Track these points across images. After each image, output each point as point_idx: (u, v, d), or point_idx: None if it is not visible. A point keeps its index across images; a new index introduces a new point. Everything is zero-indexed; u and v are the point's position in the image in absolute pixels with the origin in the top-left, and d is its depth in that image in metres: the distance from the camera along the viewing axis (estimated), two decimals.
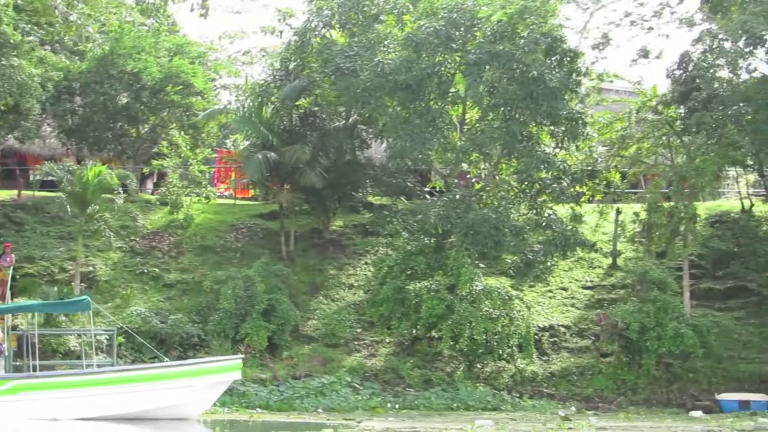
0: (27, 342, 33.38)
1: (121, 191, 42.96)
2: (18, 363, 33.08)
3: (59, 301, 35.16)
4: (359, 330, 40.98)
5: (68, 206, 40.48)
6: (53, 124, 52.66)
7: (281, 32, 51.05)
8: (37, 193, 49.17)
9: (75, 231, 43.30)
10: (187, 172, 48.53)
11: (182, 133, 50.05)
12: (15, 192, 50.17)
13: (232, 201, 52.43)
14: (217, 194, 51.20)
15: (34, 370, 31.37)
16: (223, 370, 30.12)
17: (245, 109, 44.65)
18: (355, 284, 44.12)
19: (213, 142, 54.02)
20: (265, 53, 69.26)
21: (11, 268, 39.86)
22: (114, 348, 34.88)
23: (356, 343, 40.44)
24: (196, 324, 39.29)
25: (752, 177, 54.31)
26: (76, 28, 48.89)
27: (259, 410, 33.68)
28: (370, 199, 49.57)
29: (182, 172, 48.47)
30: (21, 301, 38.31)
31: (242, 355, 34.17)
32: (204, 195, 48.20)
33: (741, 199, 49.88)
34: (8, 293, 39.05)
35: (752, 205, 48.66)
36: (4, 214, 46.15)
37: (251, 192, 50.41)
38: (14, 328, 35.17)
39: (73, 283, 39.94)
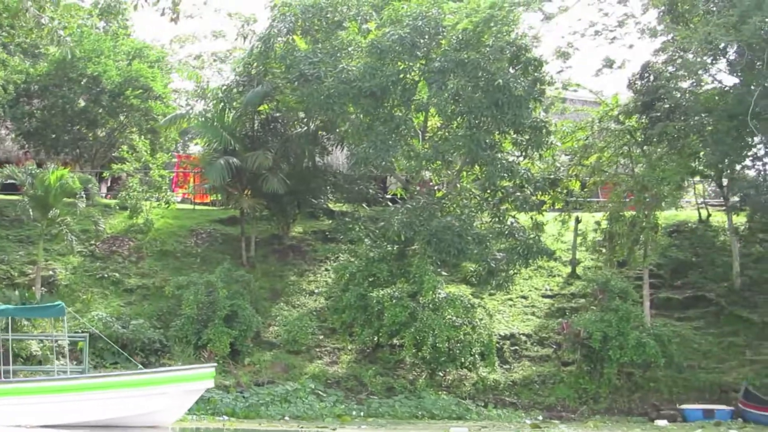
0: None
1: (83, 195, 42.47)
2: None
3: (34, 305, 34.66)
4: (321, 337, 40.86)
5: (30, 209, 39.93)
6: (11, 127, 52.24)
7: (244, 37, 50.67)
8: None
9: (35, 235, 43.06)
10: (146, 176, 48.22)
11: (141, 137, 49.69)
12: None
13: (191, 206, 52.17)
14: (177, 199, 50.93)
15: (6, 375, 31.08)
16: (197, 378, 29.97)
17: (207, 114, 44.42)
18: (316, 291, 44.02)
19: (172, 147, 53.78)
20: (216, 58, 69.08)
21: None
22: (86, 354, 34.51)
23: (318, 350, 40.30)
24: (158, 329, 38.95)
25: (708, 187, 54.95)
26: (48, 31, 48.22)
27: (225, 417, 33.50)
28: (330, 205, 49.47)
29: (142, 177, 48.13)
30: None
31: (214, 363, 33.94)
32: (164, 200, 47.88)
33: (698, 208, 50.30)
34: None
35: (709, 215, 49.15)
36: None
37: (210, 197, 50.08)
38: None
39: (33, 287, 39.51)
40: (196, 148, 52.78)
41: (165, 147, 52.17)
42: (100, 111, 51.08)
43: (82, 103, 50.87)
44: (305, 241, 47.66)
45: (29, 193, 40.08)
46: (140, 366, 33.93)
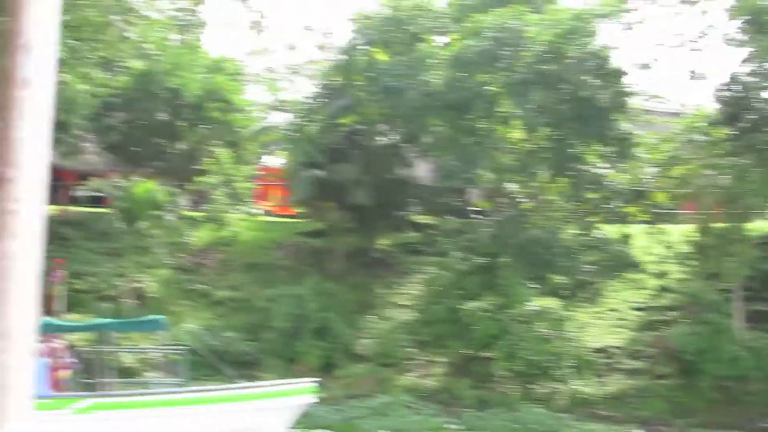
0: (90, 359, 33.27)
1: (171, 207, 42.80)
2: (88, 381, 32.83)
3: (138, 319, 34.59)
4: (411, 349, 40.86)
5: (118, 222, 40.19)
6: (94, 140, 52.68)
7: (323, 49, 50.76)
8: (81, 209, 49.11)
9: (123, 247, 43.39)
10: (231, 189, 48.48)
11: (225, 149, 50.01)
12: (57, 207, 50.11)
13: (275, 218, 52.41)
14: (261, 212, 51.20)
15: (109, 388, 31.22)
16: (301, 393, 29.94)
17: (290, 127, 44.59)
18: (405, 304, 44.00)
19: (254, 159, 54.03)
20: (291, 70, 69.31)
21: (60, 284, 39.80)
22: (185, 368, 34.64)
23: (409, 362, 40.33)
24: (248, 342, 39.14)
25: None
26: (133, 45, 48.77)
27: (322, 431, 33.52)
28: (414, 217, 49.45)
29: (227, 190, 48.41)
30: (79, 317, 38.34)
31: (316, 378, 33.88)
32: (248, 212, 48.13)
33: None
34: (59, 309, 39.01)
35: None
36: (50, 230, 45.96)
37: (294, 210, 50.24)
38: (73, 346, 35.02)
39: (123, 300, 39.83)
40: (272, 160, 52.78)
41: (247, 160, 52.40)
42: (182, 124, 51.39)
43: (163, 116, 51.23)
44: (390, 253, 47.68)
45: (117, 206, 40.31)
46: (238, 380, 33.93)
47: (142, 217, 39.82)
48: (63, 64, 41.52)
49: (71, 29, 41.63)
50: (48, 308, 39.00)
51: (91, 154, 54.09)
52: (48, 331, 29.18)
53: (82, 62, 43.59)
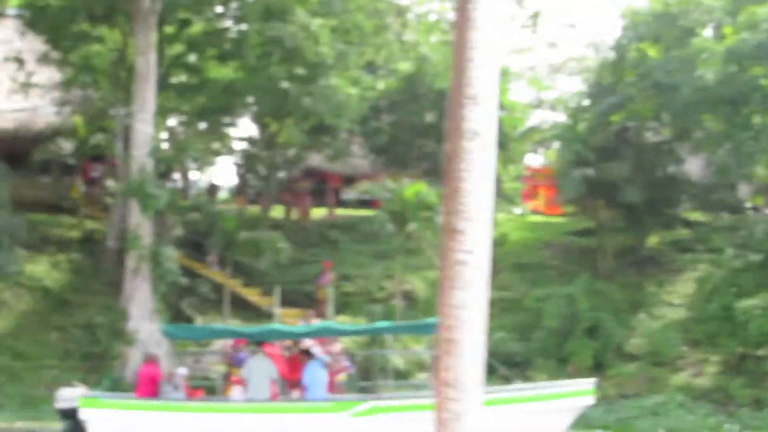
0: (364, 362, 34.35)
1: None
2: (364, 383, 33.67)
3: (416, 322, 34.30)
4: (684, 348, 40.26)
5: (387, 224, 41.02)
6: (361, 143, 53.94)
7: (593, 47, 50.29)
8: (348, 212, 50.50)
9: (391, 249, 44.32)
10: (499, 188, 48.86)
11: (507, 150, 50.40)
12: (324, 210, 51.77)
13: (542, 218, 52.55)
14: (529, 211, 51.42)
15: (385, 390, 31.98)
16: (581, 394, 29.80)
17: (559, 126, 44.68)
18: (676, 302, 43.33)
19: (521, 159, 54.26)
20: (554, 68, 69.19)
21: (330, 287, 41.10)
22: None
23: (681, 361, 39.70)
24: (518, 342, 39.37)
25: None
26: (405, 47, 49.92)
27: (600, 431, 33.41)
28: (686, 214, 48.65)
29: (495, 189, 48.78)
30: (343, 319, 39.50)
31: (593, 379, 33.78)
32: (516, 212, 48.43)
33: None
34: (329, 312, 40.31)
35: None
36: (319, 233, 47.66)
37: (562, 209, 50.23)
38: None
39: (392, 302, 40.65)
40: (539, 159, 52.93)
41: (514, 159, 52.62)
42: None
43: (430, 117, 52.01)
44: (661, 251, 46.98)
45: (386, 208, 41.03)
46: (512, 381, 34.06)
47: (412, 218, 40.40)
48: (331, 68, 43.00)
49: (340, 33, 43.03)
50: (319, 311, 40.56)
51: (358, 157, 55.47)
52: (327, 334, 30.24)
53: (351, 66, 44.84)
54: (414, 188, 40.00)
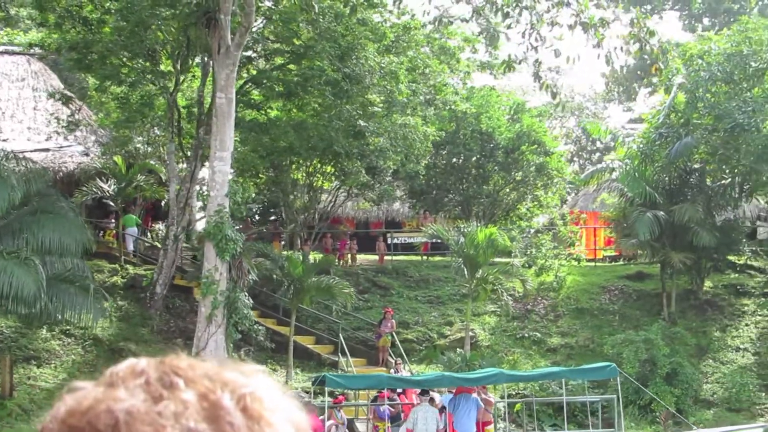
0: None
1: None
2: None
3: (589, 367, 33.44)
4: (762, 394, 39.36)
5: (463, 268, 39.87)
6: (401, 187, 52.82)
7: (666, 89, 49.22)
8: (396, 257, 49.55)
9: (443, 295, 43.48)
10: (555, 232, 48.09)
11: (549, 193, 49.58)
12: (373, 257, 50.72)
13: (599, 262, 52.11)
14: (585, 255, 50.60)
15: None
16: None
17: (627, 168, 43.76)
18: (741, 346, 42.50)
19: (576, 201, 53.62)
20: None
21: (391, 333, 39.87)
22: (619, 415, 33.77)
23: (758, 407, 38.85)
24: (593, 390, 38.23)
25: None
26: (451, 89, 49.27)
27: None
28: (743, 258, 48.06)
29: (554, 233, 48.04)
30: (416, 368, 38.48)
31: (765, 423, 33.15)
32: (575, 257, 47.56)
33: None
34: (389, 359, 39.06)
35: None
36: (367, 279, 46.43)
37: (621, 252, 49.59)
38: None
39: (459, 349, 39.52)
40: (598, 202, 52.03)
41: (568, 201, 52.03)
42: (494, 167, 51.03)
43: (473, 159, 51.17)
44: (718, 295, 46.17)
45: (461, 253, 39.82)
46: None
47: (483, 263, 39.19)
48: (404, 106, 41.95)
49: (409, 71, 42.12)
50: (381, 359, 39.37)
51: (397, 201, 54.41)
52: (496, 381, 29.35)
53: (418, 105, 43.90)
54: (486, 232, 38.80)
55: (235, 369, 1.77)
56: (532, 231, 48.82)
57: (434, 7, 26.48)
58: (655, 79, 48.66)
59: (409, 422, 27.21)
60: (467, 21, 27.46)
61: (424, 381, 29.28)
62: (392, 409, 31.08)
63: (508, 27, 26.47)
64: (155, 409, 1.64)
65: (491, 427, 30.36)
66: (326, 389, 29.06)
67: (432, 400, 28.72)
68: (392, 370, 35.71)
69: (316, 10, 32.91)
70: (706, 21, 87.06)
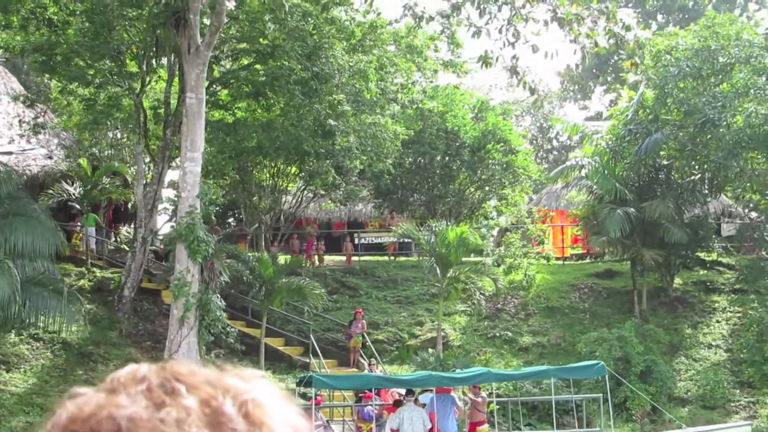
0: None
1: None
2: None
3: (576, 365, 33.57)
4: (736, 391, 39.31)
5: (435, 267, 39.56)
6: (366, 186, 52.49)
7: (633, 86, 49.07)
8: (363, 258, 49.26)
9: (412, 295, 43.21)
10: (523, 231, 47.95)
11: (518, 191, 49.38)
12: (340, 258, 50.39)
13: (566, 260, 52.07)
14: (553, 254, 50.47)
15: None
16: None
17: (596, 165, 43.62)
18: (713, 343, 42.48)
19: (543, 200, 53.49)
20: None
21: (362, 334, 39.58)
22: (604, 414, 33.70)
23: (732, 404, 38.81)
24: (566, 389, 38.05)
25: None
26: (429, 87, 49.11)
27: None
28: (711, 255, 48.14)
29: (519, 232, 47.87)
30: (391, 369, 38.17)
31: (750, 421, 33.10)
32: (543, 255, 47.40)
33: None
34: (360, 360, 38.79)
35: None
36: (335, 280, 46.10)
37: (589, 250, 49.48)
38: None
39: (431, 349, 39.26)
40: (565, 200, 51.91)
41: (536, 200, 51.89)
42: (459, 166, 50.78)
43: (439, 158, 50.93)
44: (688, 292, 46.16)
45: (433, 252, 39.56)
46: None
47: (455, 262, 38.90)
48: (372, 105, 41.59)
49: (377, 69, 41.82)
50: (352, 360, 39.08)
51: (361, 200, 54.13)
52: (485, 380, 29.24)
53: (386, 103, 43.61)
54: (457, 231, 38.54)
55: (236, 375, 1.78)
56: (500, 229, 48.64)
57: (413, 2, 25.98)
58: (631, 75, 48.22)
59: (394, 422, 26.87)
60: (449, 17, 26.92)
61: (412, 381, 29.01)
62: (376, 411, 30.82)
63: (486, 23, 26.13)
64: (157, 415, 1.64)
65: (484, 426, 30.21)
66: (299, 390, 28.90)
67: (417, 400, 28.50)
68: (366, 371, 35.43)
69: (287, 9, 32.39)
70: (660, 18, 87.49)
